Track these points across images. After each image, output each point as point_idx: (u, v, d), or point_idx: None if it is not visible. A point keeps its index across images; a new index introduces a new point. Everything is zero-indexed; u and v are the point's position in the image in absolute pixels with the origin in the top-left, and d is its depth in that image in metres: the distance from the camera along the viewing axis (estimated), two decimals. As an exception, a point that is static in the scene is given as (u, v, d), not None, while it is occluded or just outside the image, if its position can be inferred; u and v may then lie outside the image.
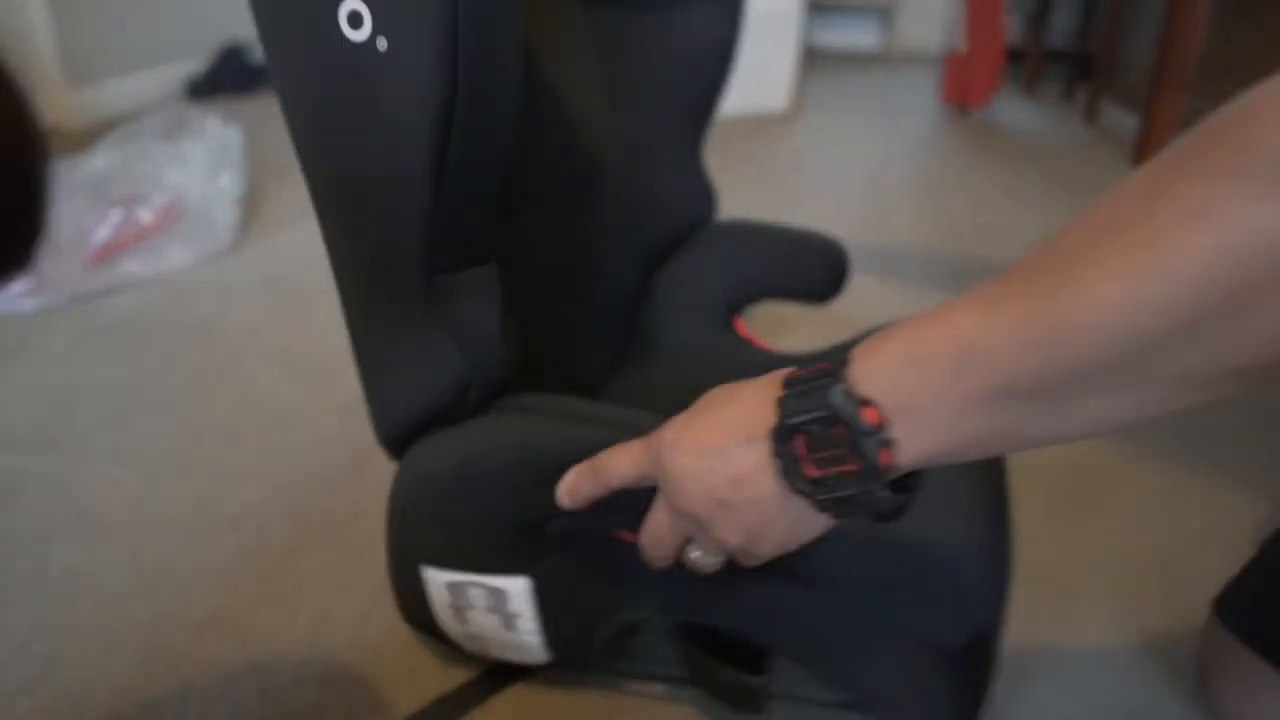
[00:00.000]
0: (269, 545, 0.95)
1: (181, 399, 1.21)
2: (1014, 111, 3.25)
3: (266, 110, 2.85)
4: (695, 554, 0.53)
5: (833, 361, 0.43)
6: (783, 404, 0.43)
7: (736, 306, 1.02)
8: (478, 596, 0.68)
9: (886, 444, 0.40)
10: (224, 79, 3.08)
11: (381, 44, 0.51)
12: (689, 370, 0.92)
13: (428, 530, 0.67)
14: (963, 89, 3.06)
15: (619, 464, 0.53)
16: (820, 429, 0.41)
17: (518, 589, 0.67)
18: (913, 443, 0.40)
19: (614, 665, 0.78)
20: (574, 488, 0.57)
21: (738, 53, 0.98)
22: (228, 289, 1.55)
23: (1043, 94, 3.59)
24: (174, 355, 1.35)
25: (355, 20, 0.51)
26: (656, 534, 0.53)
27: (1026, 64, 3.63)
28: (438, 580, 0.68)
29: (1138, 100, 2.93)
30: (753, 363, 0.91)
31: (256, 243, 1.78)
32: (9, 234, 0.35)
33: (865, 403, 0.40)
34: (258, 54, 3.21)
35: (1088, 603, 0.89)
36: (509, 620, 0.69)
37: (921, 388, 0.39)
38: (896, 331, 0.41)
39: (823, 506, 0.44)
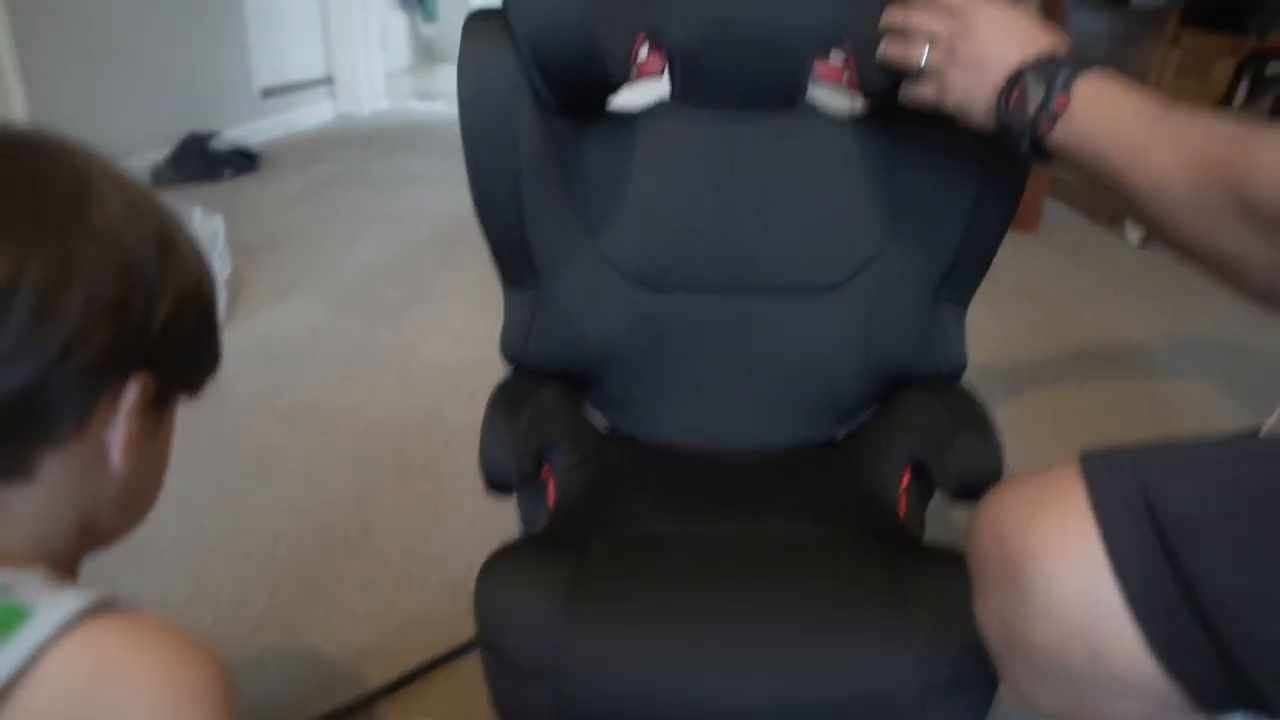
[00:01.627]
0: (301, 560, 1.19)
1: (206, 454, 1.44)
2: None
3: (232, 196, 3.08)
4: (925, 53, 0.77)
5: (1078, 63, 0.69)
6: (1038, 56, 0.70)
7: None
8: None
9: (1052, 121, 0.68)
10: (187, 167, 3.30)
11: None
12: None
13: None
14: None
15: None
16: (1034, 84, 0.69)
17: None
18: (1063, 133, 0.68)
19: None
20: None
21: (1000, 225, 0.98)
22: (228, 361, 1.77)
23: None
24: (193, 419, 1.57)
25: None
26: (927, 29, 0.76)
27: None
28: None
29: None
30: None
31: (245, 321, 2.01)
32: (210, 357, 0.61)
33: (1066, 93, 0.67)
34: (219, 143, 3.44)
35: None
36: None
37: (1090, 118, 0.67)
38: (1114, 84, 0.67)
39: (996, 117, 0.72)
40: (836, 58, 1.00)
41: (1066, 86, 0.67)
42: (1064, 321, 2.09)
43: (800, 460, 1.10)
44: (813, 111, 1.05)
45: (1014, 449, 1.50)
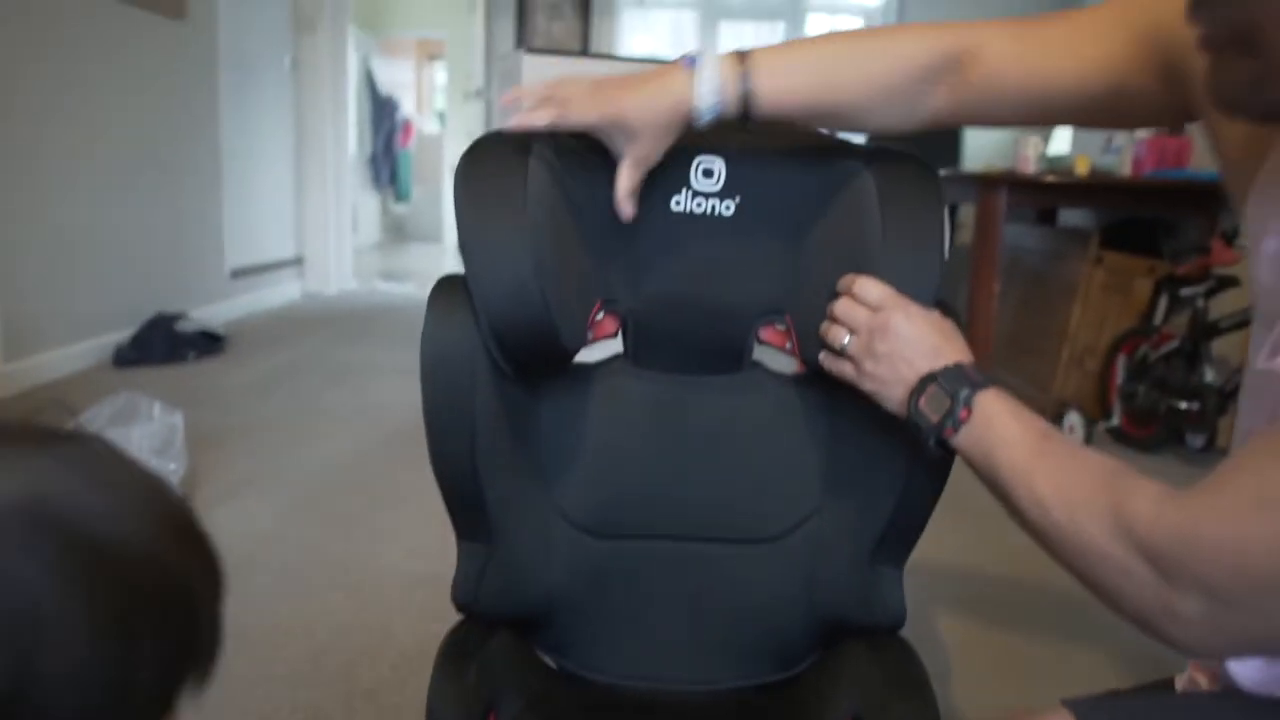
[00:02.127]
0: (238, 804, 1.16)
1: (146, 674, 1.41)
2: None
3: (193, 381, 3.12)
4: (846, 340, 0.86)
5: (980, 380, 0.76)
6: (944, 369, 0.78)
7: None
8: None
9: (955, 428, 0.75)
10: (149, 349, 3.34)
11: None
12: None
13: None
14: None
15: (875, 292, 0.85)
16: (940, 393, 0.77)
17: None
18: (964, 440, 0.75)
19: None
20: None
21: (933, 492, 1.02)
22: (176, 566, 1.77)
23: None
24: (133, 631, 1.55)
25: None
26: (849, 320, 0.85)
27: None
28: None
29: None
30: None
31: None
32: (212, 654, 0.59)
33: (968, 407, 0.75)
34: (184, 325, 3.50)
35: None
36: None
37: (987, 434, 0.74)
38: (1009, 404, 0.75)
39: (908, 412, 0.79)
40: (780, 324, 1.08)
41: (968, 403, 0.76)
42: (998, 532, 2.15)
43: (744, 705, 1.12)
44: (758, 369, 1.12)
45: (955, 658, 1.51)
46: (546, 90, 0.85)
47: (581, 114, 0.83)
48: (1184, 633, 0.60)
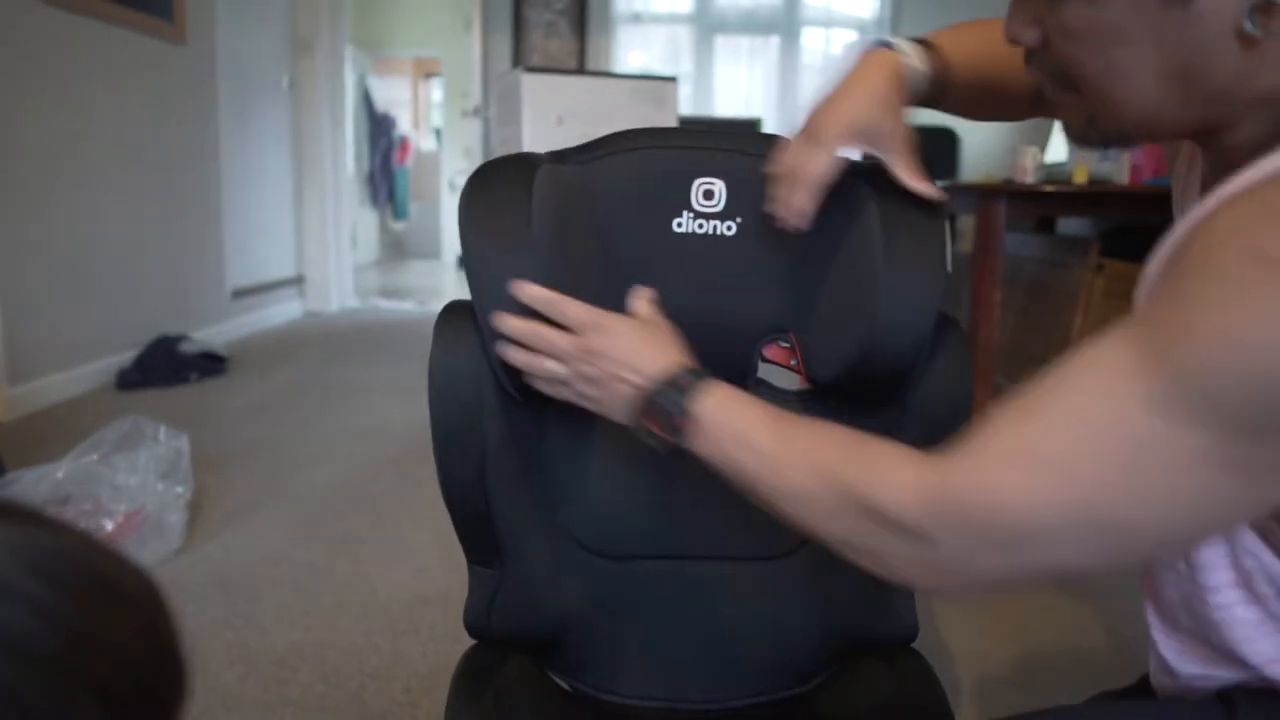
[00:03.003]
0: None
1: (157, 700, 1.41)
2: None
3: (196, 402, 3.12)
4: (554, 368, 0.83)
5: (690, 383, 0.76)
6: (657, 383, 0.77)
7: None
8: None
9: (685, 440, 0.74)
10: (152, 371, 3.34)
11: None
12: None
13: None
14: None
15: (573, 312, 0.83)
16: (658, 409, 0.76)
17: None
18: (701, 448, 0.74)
19: None
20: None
21: None
22: (181, 590, 1.76)
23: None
24: (142, 657, 1.54)
25: None
26: (550, 349, 0.82)
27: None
28: None
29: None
30: None
31: (203, 546, 2.00)
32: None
33: (686, 415, 0.74)
34: (187, 346, 3.50)
35: None
36: None
37: (719, 432, 0.73)
38: (734, 403, 0.74)
39: (633, 424, 0.79)
40: (784, 341, 1.08)
41: (681, 410, 0.74)
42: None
43: None
44: (763, 387, 1.12)
45: (969, 669, 1.48)
46: (792, 160, 0.90)
47: (829, 146, 0.88)
48: (948, 584, 0.65)
